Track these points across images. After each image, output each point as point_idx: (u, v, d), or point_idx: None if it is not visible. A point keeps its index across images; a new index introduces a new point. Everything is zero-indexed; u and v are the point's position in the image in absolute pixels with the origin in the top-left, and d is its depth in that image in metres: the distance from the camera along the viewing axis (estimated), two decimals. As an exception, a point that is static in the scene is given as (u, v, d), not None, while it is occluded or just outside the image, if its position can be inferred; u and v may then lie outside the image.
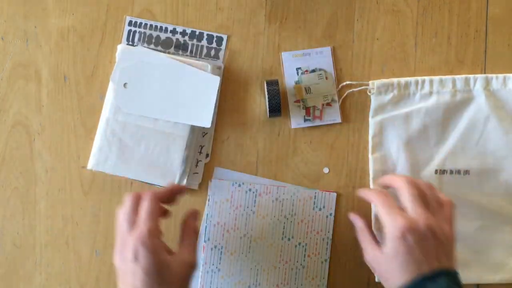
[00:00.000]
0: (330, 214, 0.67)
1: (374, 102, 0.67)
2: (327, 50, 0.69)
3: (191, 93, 0.66)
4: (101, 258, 0.69)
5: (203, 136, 0.69)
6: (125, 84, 0.66)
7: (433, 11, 0.70)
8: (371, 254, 0.57)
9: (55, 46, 0.70)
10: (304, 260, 0.67)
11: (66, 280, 0.69)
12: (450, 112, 0.67)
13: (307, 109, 0.69)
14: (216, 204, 0.67)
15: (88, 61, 0.70)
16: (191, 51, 0.69)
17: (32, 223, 0.69)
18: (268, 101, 0.66)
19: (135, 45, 0.69)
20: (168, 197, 0.58)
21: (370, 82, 0.68)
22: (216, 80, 0.66)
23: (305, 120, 0.69)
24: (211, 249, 0.67)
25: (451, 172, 0.66)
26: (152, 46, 0.69)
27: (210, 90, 0.66)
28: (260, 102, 0.70)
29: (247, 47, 0.70)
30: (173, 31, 0.69)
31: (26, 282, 0.69)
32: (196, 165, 0.68)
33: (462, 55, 0.70)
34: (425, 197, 0.55)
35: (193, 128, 0.67)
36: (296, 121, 0.69)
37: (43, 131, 0.69)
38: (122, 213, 0.55)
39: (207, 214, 0.67)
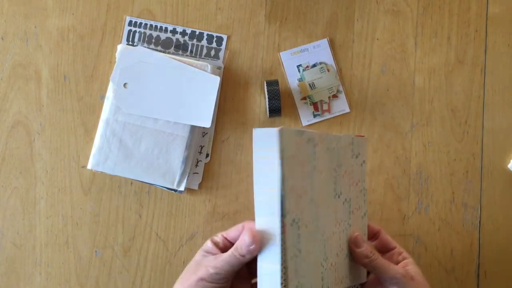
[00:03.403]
0: (364, 162, 0.57)
1: None
2: (324, 42, 0.70)
3: (191, 93, 0.66)
4: (101, 258, 0.69)
5: (203, 136, 0.69)
6: (125, 84, 0.66)
7: (433, 11, 0.70)
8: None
9: (55, 46, 0.70)
10: (350, 218, 0.56)
11: (66, 280, 0.69)
12: None
13: (314, 104, 0.69)
14: (288, 160, 0.48)
15: (88, 61, 0.70)
16: (191, 51, 0.69)
17: (32, 223, 0.69)
18: (268, 101, 0.66)
19: (135, 45, 0.69)
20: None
21: None
22: (216, 80, 0.66)
23: (315, 115, 0.69)
24: (291, 224, 0.48)
25: None
26: (152, 46, 0.69)
27: (210, 90, 0.66)
28: (260, 102, 0.70)
29: (247, 47, 0.70)
30: (173, 31, 0.69)
31: (26, 282, 0.69)
32: (196, 165, 0.68)
33: (462, 55, 0.70)
34: None
35: (193, 128, 0.67)
36: (306, 118, 0.69)
37: (43, 131, 0.69)
38: None
39: (282, 178, 0.47)
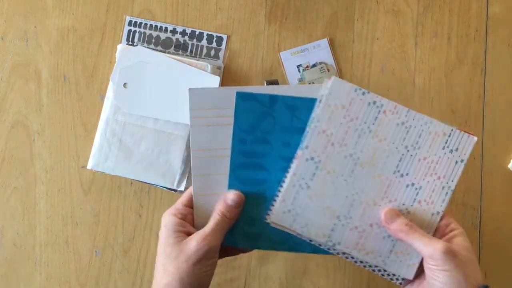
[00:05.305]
0: (461, 161, 0.54)
1: None
2: (324, 42, 0.70)
3: (191, 93, 0.66)
4: (101, 258, 0.69)
5: (203, 136, 0.69)
6: (125, 84, 0.66)
7: (433, 11, 0.70)
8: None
9: (55, 46, 0.70)
10: (412, 205, 0.54)
11: (66, 280, 0.69)
12: None
13: None
14: (329, 108, 0.53)
15: (88, 61, 0.70)
16: (191, 51, 0.69)
17: (32, 223, 0.69)
18: (268, 101, 0.66)
19: (135, 45, 0.69)
20: None
21: None
22: (216, 80, 0.66)
23: None
24: (307, 160, 0.53)
25: None
26: (152, 46, 0.69)
27: (210, 90, 0.66)
28: (260, 102, 0.70)
29: (247, 47, 0.70)
30: (173, 31, 0.69)
31: (26, 282, 0.69)
32: (196, 165, 0.68)
33: (462, 55, 0.70)
34: None
35: (193, 128, 0.67)
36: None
37: (43, 131, 0.69)
38: None
39: (313, 118, 0.53)
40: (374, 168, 0.54)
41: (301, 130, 0.53)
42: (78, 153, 0.69)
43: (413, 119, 0.53)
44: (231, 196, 0.53)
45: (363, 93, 0.53)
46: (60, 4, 0.70)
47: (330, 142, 0.53)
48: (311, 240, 0.54)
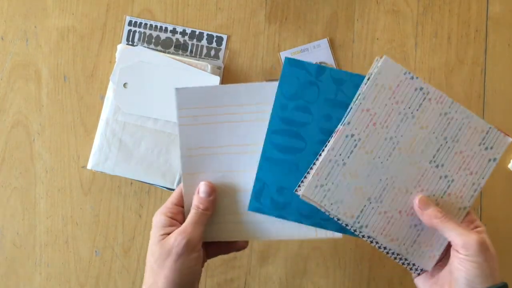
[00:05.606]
0: (494, 159, 0.54)
1: None
2: (324, 42, 0.70)
3: (191, 93, 0.66)
4: (101, 258, 0.69)
5: (203, 136, 0.69)
6: (125, 84, 0.66)
7: (433, 11, 0.70)
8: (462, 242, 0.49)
9: (55, 46, 0.70)
10: (442, 197, 0.54)
11: (66, 280, 0.69)
12: None
13: None
14: (376, 87, 0.53)
15: (88, 61, 0.70)
16: (191, 51, 0.69)
17: (32, 223, 0.69)
18: (268, 101, 0.66)
19: (135, 45, 0.69)
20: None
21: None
22: (216, 80, 0.66)
23: None
24: (347, 136, 0.52)
25: None
26: (152, 46, 0.69)
27: (210, 90, 0.66)
28: (260, 102, 0.70)
29: (247, 47, 0.70)
30: (173, 31, 0.69)
31: (26, 282, 0.69)
32: (196, 165, 0.68)
33: (462, 55, 0.70)
34: None
35: (193, 128, 0.67)
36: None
37: (43, 131, 0.69)
38: None
39: (359, 94, 0.53)
40: (412, 154, 0.53)
41: (344, 105, 0.53)
42: (78, 153, 0.69)
43: (456, 112, 0.53)
44: (202, 187, 0.53)
45: (412, 78, 0.53)
46: (60, 4, 0.70)
47: (372, 121, 0.53)
48: (338, 219, 0.53)
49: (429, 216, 0.51)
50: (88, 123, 0.69)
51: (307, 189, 0.52)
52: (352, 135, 0.53)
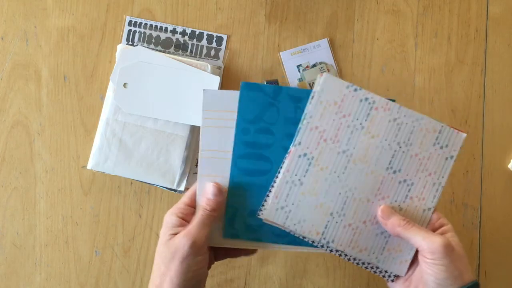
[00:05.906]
0: (451, 157, 0.54)
1: None
2: (324, 42, 0.70)
3: (191, 93, 0.66)
4: (101, 258, 0.69)
5: (203, 136, 0.69)
6: (125, 84, 0.66)
7: (433, 11, 0.70)
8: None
9: (55, 46, 0.70)
10: (404, 202, 0.54)
11: (66, 280, 0.69)
12: None
13: None
14: (321, 104, 0.53)
15: (88, 61, 0.70)
16: (191, 51, 0.69)
17: (32, 223, 0.69)
18: (268, 101, 0.66)
19: (135, 45, 0.69)
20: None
21: None
22: (216, 80, 0.66)
23: None
24: (299, 156, 0.53)
25: None
26: (152, 46, 0.69)
27: (210, 90, 0.66)
28: (260, 102, 0.70)
29: (247, 47, 0.70)
30: (173, 31, 0.69)
31: (26, 282, 0.69)
32: (196, 165, 0.68)
33: (462, 55, 0.70)
34: None
35: (193, 128, 0.67)
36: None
37: (43, 131, 0.69)
38: None
39: (306, 114, 0.53)
40: (367, 164, 0.54)
41: None
42: (78, 153, 0.69)
43: (405, 116, 0.54)
44: (209, 188, 0.53)
45: (355, 90, 0.53)
46: (60, 4, 0.70)
47: (322, 138, 0.53)
48: (304, 237, 0.54)
49: (392, 225, 0.51)
50: (88, 123, 0.69)
51: (268, 213, 0.53)
52: (305, 154, 0.53)
